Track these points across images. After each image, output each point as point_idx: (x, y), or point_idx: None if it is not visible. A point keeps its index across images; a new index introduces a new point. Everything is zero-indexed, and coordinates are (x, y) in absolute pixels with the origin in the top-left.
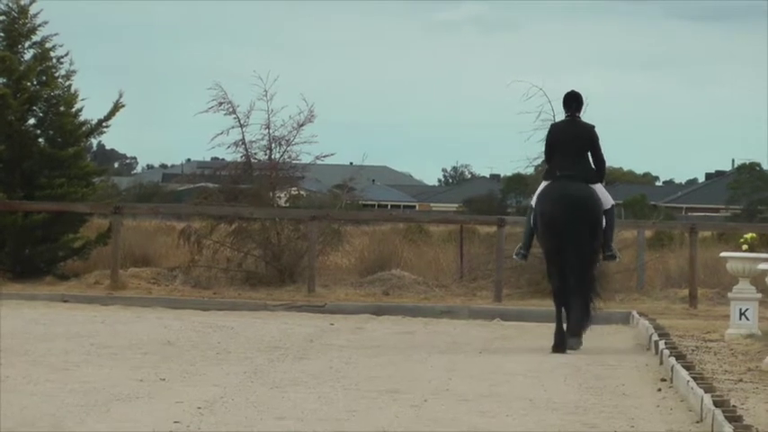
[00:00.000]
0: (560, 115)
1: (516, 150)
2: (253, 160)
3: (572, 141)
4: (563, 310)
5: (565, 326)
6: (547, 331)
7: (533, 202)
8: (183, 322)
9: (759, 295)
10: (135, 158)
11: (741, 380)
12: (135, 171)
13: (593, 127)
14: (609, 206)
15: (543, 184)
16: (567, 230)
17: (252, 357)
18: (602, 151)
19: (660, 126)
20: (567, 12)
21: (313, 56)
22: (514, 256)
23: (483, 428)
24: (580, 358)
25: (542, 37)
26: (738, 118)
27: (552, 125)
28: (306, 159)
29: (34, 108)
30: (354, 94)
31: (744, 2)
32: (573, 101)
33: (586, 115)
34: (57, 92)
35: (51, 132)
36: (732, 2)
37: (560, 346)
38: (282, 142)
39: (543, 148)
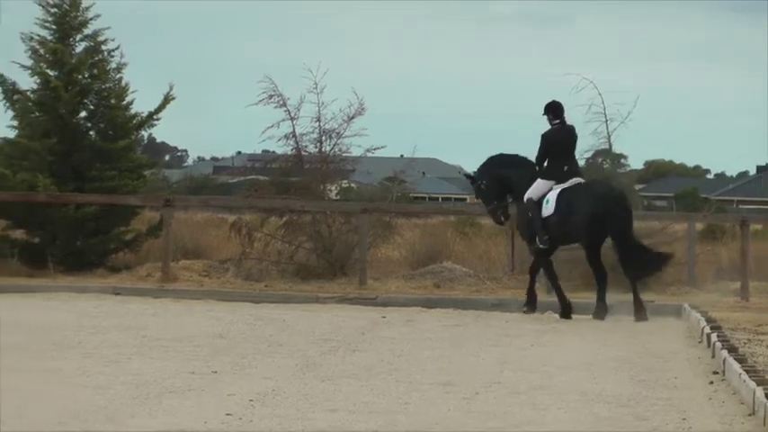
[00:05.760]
0: (611, 107)
1: None
2: (303, 153)
3: (567, 142)
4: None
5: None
6: (599, 324)
7: (552, 197)
8: (234, 315)
9: None
10: (186, 151)
11: None
12: (186, 164)
13: (575, 127)
14: None
15: (544, 181)
16: (617, 222)
17: (304, 350)
18: None
19: (711, 118)
20: (614, 4)
21: (364, 48)
22: (541, 245)
23: (535, 421)
24: (632, 351)
25: (589, 31)
26: None
27: (549, 131)
28: (356, 152)
29: (85, 101)
30: (405, 86)
31: None
32: (559, 109)
33: (639, 108)
34: (107, 85)
35: (102, 125)
36: None
37: (602, 314)
38: (333, 135)
39: (540, 151)
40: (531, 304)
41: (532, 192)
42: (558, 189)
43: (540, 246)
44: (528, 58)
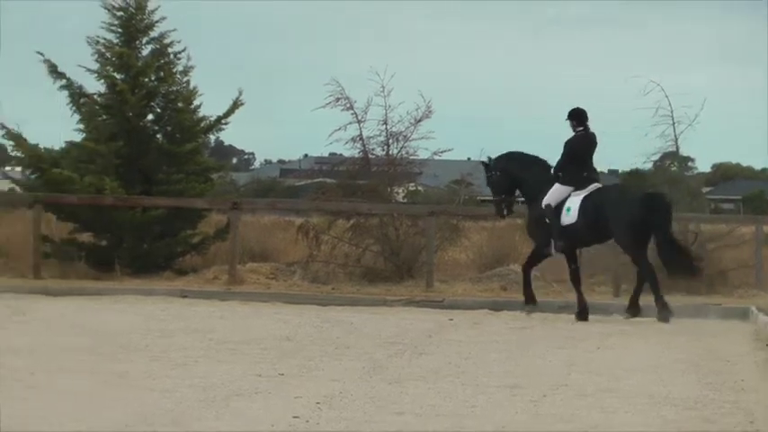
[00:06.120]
0: (678, 110)
1: (633, 146)
2: (370, 156)
3: (588, 150)
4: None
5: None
6: (665, 326)
7: (574, 204)
8: (301, 317)
9: None
10: (253, 154)
11: None
12: (253, 167)
13: (596, 135)
14: None
15: (564, 187)
16: (661, 222)
17: (371, 352)
18: None
19: None
20: (680, 7)
21: (429, 51)
22: (556, 252)
23: (603, 424)
24: (698, 354)
25: (654, 33)
26: None
27: (573, 138)
28: (423, 155)
29: (152, 104)
30: (471, 89)
31: None
32: (583, 116)
33: (707, 109)
34: (174, 88)
35: (169, 128)
36: None
37: (667, 315)
38: (400, 138)
39: (563, 158)
40: (582, 312)
41: (550, 197)
42: (579, 196)
43: (555, 253)
44: (591, 60)
